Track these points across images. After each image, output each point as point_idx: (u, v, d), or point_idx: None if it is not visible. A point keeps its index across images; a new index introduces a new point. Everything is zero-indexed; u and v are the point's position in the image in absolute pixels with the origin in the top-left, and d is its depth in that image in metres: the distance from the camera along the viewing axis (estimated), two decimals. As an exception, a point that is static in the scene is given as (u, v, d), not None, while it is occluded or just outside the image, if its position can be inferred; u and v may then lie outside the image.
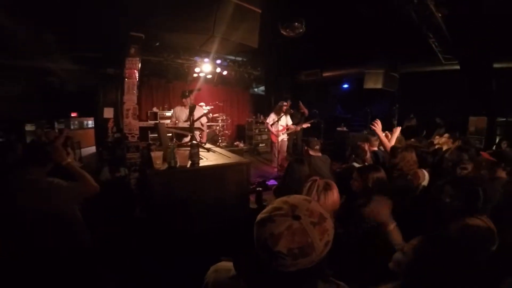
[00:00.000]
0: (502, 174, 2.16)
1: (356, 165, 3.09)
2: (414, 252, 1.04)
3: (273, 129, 5.90)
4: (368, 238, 1.61)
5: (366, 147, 3.44)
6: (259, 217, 0.70)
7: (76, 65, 5.91)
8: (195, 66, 7.17)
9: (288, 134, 6.35)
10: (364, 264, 1.45)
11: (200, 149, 2.91)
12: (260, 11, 3.94)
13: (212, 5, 3.47)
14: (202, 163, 2.67)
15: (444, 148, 3.91)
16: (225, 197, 2.67)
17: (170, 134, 4.00)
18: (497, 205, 1.64)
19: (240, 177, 2.77)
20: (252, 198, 3.21)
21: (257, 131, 8.85)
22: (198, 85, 6.91)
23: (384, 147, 3.08)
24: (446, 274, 0.96)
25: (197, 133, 4.37)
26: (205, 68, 7.14)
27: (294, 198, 0.73)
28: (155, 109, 7.72)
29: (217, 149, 3.70)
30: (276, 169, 5.80)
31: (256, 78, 8.92)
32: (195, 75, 7.50)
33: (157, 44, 6.01)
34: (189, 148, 2.57)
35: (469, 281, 0.96)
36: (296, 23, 4.71)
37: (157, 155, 2.41)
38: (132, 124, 4.46)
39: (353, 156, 3.55)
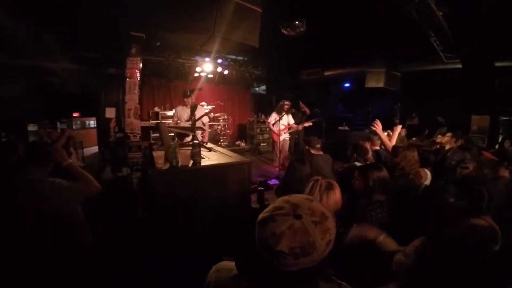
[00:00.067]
0: (505, 173, 2.15)
1: (358, 164, 3.08)
2: (416, 253, 1.04)
3: (275, 128, 5.89)
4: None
5: (368, 146, 3.43)
6: (260, 216, 0.70)
7: (78, 65, 5.93)
8: (196, 66, 7.17)
9: (290, 134, 6.34)
10: (365, 264, 1.44)
11: (202, 149, 2.91)
12: (260, 10, 3.93)
13: (212, 4, 3.46)
14: (204, 162, 2.67)
15: (447, 147, 3.89)
16: (227, 197, 2.68)
17: (172, 134, 4.01)
18: (500, 205, 1.63)
19: (242, 177, 2.78)
20: (254, 197, 3.21)
21: (258, 130, 8.86)
22: (199, 85, 6.91)
23: (386, 146, 3.07)
24: (448, 274, 0.95)
25: (199, 132, 4.38)
26: (206, 67, 7.14)
27: (295, 197, 0.73)
28: (156, 109, 7.74)
29: (219, 148, 3.70)
30: (277, 169, 5.80)
31: (257, 77, 8.91)
32: (196, 74, 7.50)
33: (158, 44, 6.01)
34: (190, 148, 2.57)
35: (471, 281, 0.95)
36: (297, 22, 4.70)
37: (159, 155, 2.42)
38: (134, 124, 4.47)
39: (355, 155, 3.54)
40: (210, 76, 7.76)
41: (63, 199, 1.70)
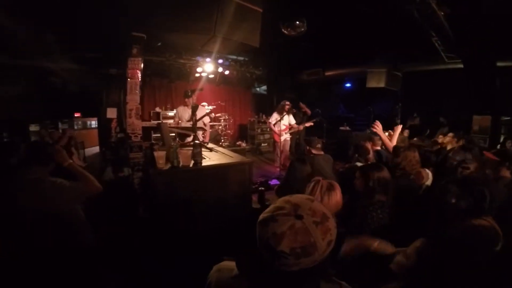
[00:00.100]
0: (506, 173, 2.14)
1: (359, 164, 3.08)
2: (417, 254, 1.04)
3: (276, 129, 5.90)
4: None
5: (369, 146, 3.43)
6: (261, 216, 0.70)
7: (79, 65, 5.95)
8: (197, 66, 7.18)
9: (291, 134, 6.34)
10: (366, 264, 1.44)
11: (203, 149, 2.92)
12: (261, 10, 3.93)
13: (213, 5, 3.46)
14: (205, 162, 2.67)
15: (448, 147, 3.89)
16: (228, 197, 2.68)
17: (173, 134, 4.01)
18: (501, 205, 1.62)
19: (243, 177, 2.78)
20: (255, 197, 3.21)
21: (259, 130, 8.86)
22: (200, 85, 6.93)
23: (387, 147, 3.07)
24: (450, 275, 0.95)
25: (200, 133, 4.38)
26: (207, 68, 7.16)
27: (296, 198, 0.73)
28: (157, 109, 7.75)
29: (220, 148, 3.70)
30: (278, 169, 5.80)
31: (258, 77, 8.92)
32: (197, 75, 7.51)
33: (159, 44, 6.03)
34: (191, 148, 2.58)
35: (472, 281, 0.95)
36: (298, 22, 4.70)
37: (160, 155, 2.42)
38: (135, 124, 4.48)
39: (356, 155, 3.54)
40: (211, 76, 7.77)
41: (63, 199, 1.70)
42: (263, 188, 3.33)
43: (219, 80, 8.17)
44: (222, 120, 8.22)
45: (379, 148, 3.47)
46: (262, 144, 8.85)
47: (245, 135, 9.25)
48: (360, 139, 4.89)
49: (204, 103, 7.24)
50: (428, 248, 1.03)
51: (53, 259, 1.63)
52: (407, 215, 1.78)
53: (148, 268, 2.23)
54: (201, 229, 2.40)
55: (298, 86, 9.30)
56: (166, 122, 5.80)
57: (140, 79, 4.56)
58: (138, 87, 4.53)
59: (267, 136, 8.86)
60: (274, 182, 4.94)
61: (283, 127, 5.91)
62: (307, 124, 6.32)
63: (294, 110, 6.42)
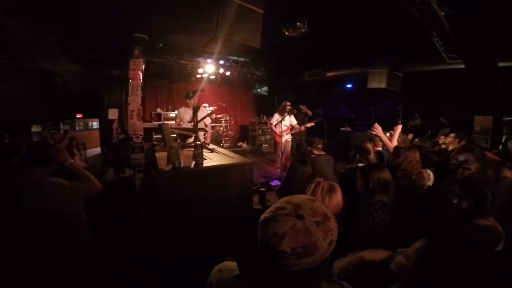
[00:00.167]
0: (508, 174, 2.14)
1: (361, 165, 3.08)
2: (417, 255, 1.03)
3: (277, 130, 5.90)
4: (371, 239, 1.60)
5: (370, 146, 3.42)
6: (262, 216, 0.70)
7: (81, 67, 5.97)
8: (198, 67, 7.20)
9: (292, 134, 6.34)
10: (364, 273, 1.43)
11: (204, 150, 2.92)
12: (262, 11, 3.94)
13: (214, 6, 3.47)
14: (206, 163, 2.68)
15: (450, 148, 3.88)
16: (229, 198, 2.68)
17: (174, 135, 4.02)
18: (502, 206, 1.62)
19: (244, 178, 2.78)
20: (256, 198, 3.21)
21: (260, 131, 8.86)
22: (202, 86, 6.94)
23: (387, 147, 3.06)
24: (451, 275, 0.95)
25: (201, 133, 4.39)
26: (208, 69, 7.18)
27: (297, 198, 0.73)
28: (159, 110, 7.76)
29: (221, 149, 3.71)
30: (279, 170, 5.80)
31: (259, 78, 8.93)
32: (198, 76, 7.53)
33: (160, 45, 6.04)
34: (193, 149, 2.59)
35: (474, 282, 0.95)
36: (298, 23, 4.71)
37: (161, 156, 2.43)
38: (137, 125, 4.49)
39: (358, 156, 3.54)
40: (212, 77, 7.78)
41: (64, 199, 1.71)
42: (264, 189, 3.34)
43: (220, 81, 8.19)
44: (223, 121, 8.23)
45: (380, 148, 3.47)
46: (263, 145, 8.85)
47: (246, 136, 9.26)
48: (361, 139, 4.89)
49: (205, 104, 7.26)
50: (429, 249, 1.03)
51: (53, 259, 1.63)
52: (409, 215, 1.78)
53: (150, 269, 2.23)
54: (202, 229, 2.41)
55: (299, 87, 9.30)
56: (168, 123, 5.81)
57: (141, 80, 4.58)
58: (139, 88, 4.55)
59: (268, 137, 8.86)
60: (275, 183, 4.94)
61: (284, 128, 5.91)
62: (308, 125, 6.32)
63: (295, 111, 6.43)
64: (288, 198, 0.74)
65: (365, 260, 1.36)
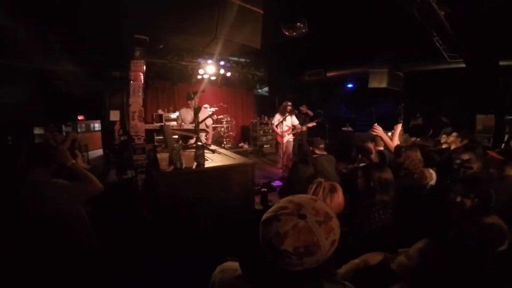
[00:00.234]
0: (511, 172, 2.13)
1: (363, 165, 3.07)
2: (420, 255, 1.03)
3: (278, 130, 5.90)
4: (372, 239, 1.60)
5: (372, 146, 3.42)
6: (264, 216, 0.70)
7: (81, 68, 5.98)
8: (199, 68, 7.21)
9: (293, 135, 6.34)
10: (364, 277, 1.43)
11: (205, 151, 2.92)
12: (262, 11, 3.94)
13: (214, 6, 3.48)
14: (207, 164, 2.68)
15: (452, 147, 3.86)
16: (230, 198, 2.68)
17: (176, 136, 4.02)
18: (505, 204, 1.61)
19: (245, 178, 2.78)
20: (257, 199, 3.21)
21: (261, 132, 8.87)
22: (203, 87, 6.94)
23: (388, 147, 3.05)
24: (453, 276, 0.94)
25: (202, 134, 4.39)
26: (209, 69, 7.19)
27: (299, 197, 0.73)
28: (160, 111, 7.78)
29: (222, 150, 3.71)
30: (281, 170, 5.80)
31: (259, 79, 8.94)
32: (199, 76, 7.54)
33: (161, 46, 6.06)
34: (194, 150, 2.59)
35: (477, 281, 0.94)
36: (298, 23, 4.71)
37: (163, 157, 2.43)
38: (138, 127, 4.49)
39: (360, 156, 3.53)
40: (213, 78, 7.80)
41: (64, 199, 1.72)
42: (265, 190, 3.33)
43: (221, 82, 8.20)
44: (225, 122, 8.24)
45: (381, 148, 3.46)
46: (265, 146, 8.85)
47: (248, 136, 9.26)
48: (362, 139, 4.87)
49: (206, 105, 7.27)
50: (431, 248, 1.02)
51: (54, 259, 1.64)
52: (411, 214, 1.77)
53: (151, 269, 2.24)
54: (204, 230, 2.41)
55: (300, 87, 9.30)
56: (169, 124, 5.83)
57: (142, 82, 4.58)
58: (140, 90, 4.55)
59: (269, 137, 8.86)
60: (277, 183, 4.94)
61: (285, 128, 5.91)
62: (310, 125, 6.32)
63: (296, 111, 6.42)
64: (290, 197, 0.74)
65: (360, 268, 1.35)
